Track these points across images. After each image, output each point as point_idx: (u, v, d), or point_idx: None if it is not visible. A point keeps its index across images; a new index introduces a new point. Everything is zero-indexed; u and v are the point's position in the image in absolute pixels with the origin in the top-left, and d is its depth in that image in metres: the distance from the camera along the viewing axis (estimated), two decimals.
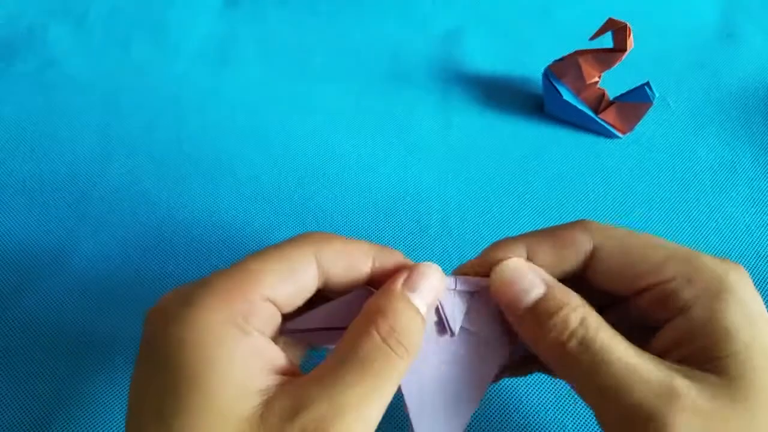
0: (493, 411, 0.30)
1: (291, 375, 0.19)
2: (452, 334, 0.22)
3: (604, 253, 0.21)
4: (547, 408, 0.30)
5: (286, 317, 0.22)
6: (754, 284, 0.34)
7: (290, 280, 0.20)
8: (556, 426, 0.30)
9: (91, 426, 0.31)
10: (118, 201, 0.38)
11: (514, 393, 0.31)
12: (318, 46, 0.47)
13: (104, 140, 0.41)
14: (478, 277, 0.23)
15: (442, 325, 0.22)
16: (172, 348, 0.18)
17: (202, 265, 0.36)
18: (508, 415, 0.30)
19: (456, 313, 0.22)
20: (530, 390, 0.31)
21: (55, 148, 0.41)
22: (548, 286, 0.21)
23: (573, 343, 0.19)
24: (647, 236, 0.21)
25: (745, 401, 0.18)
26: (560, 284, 0.21)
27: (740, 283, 0.20)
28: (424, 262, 0.22)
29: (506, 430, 0.30)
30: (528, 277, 0.21)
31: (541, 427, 0.30)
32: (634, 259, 0.20)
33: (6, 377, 0.32)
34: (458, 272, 0.23)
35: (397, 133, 0.42)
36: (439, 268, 0.22)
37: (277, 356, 0.20)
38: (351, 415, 0.17)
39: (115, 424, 0.31)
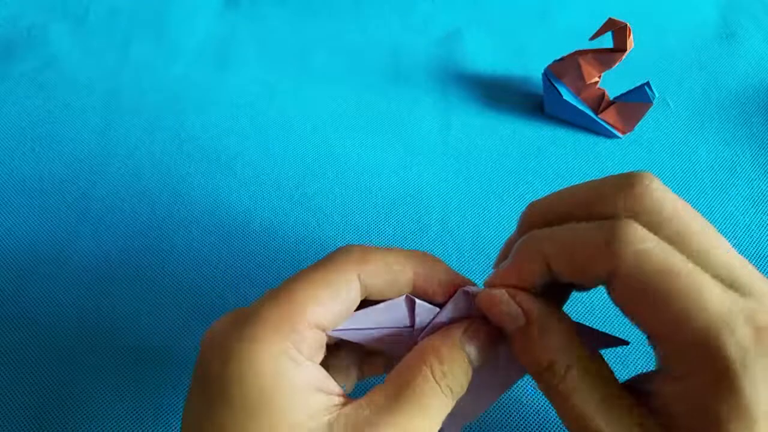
0: (493, 411, 0.30)
1: (342, 396, 0.20)
2: None
3: (621, 284, 0.18)
4: (548, 407, 0.30)
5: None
6: None
7: (336, 303, 0.21)
8: (556, 426, 0.30)
9: (90, 425, 0.31)
10: (118, 201, 0.38)
11: (514, 393, 0.31)
12: (318, 46, 0.47)
13: (104, 140, 0.41)
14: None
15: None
16: (233, 384, 0.18)
17: (202, 265, 0.36)
18: (508, 416, 0.30)
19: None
20: (529, 389, 0.31)
21: (54, 147, 0.41)
22: (529, 319, 0.20)
23: (544, 378, 0.20)
24: (688, 271, 0.17)
25: None
26: (544, 316, 0.20)
27: (754, 382, 0.16)
28: (480, 323, 0.22)
29: (506, 430, 0.30)
30: (508, 308, 0.21)
31: (541, 426, 0.30)
32: (650, 302, 0.17)
33: (6, 376, 0.32)
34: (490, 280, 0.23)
35: (397, 133, 0.42)
36: (493, 328, 0.22)
37: (330, 382, 0.21)
38: None
39: (113, 423, 0.31)
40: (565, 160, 0.40)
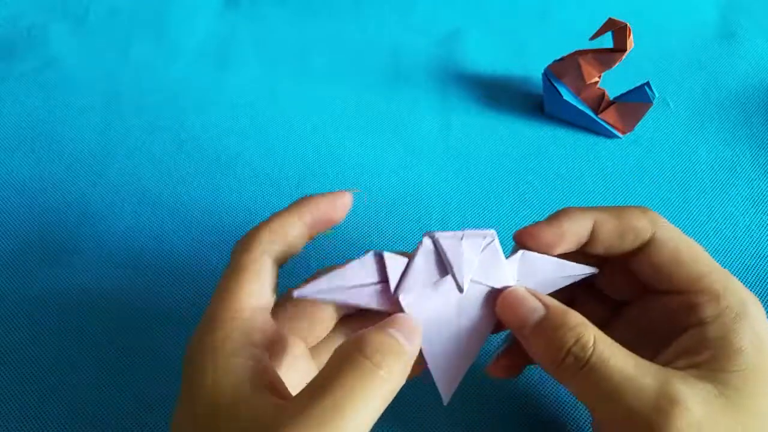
0: (494, 411, 0.30)
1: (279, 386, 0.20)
2: (461, 290, 0.23)
3: (657, 248, 0.23)
4: (548, 407, 0.30)
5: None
6: (754, 285, 0.35)
7: (257, 283, 0.22)
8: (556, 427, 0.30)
9: (90, 424, 0.31)
10: (119, 201, 0.38)
11: (513, 395, 0.31)
12: (318, 46, 0.47)
13: (104, 140, 0.41)
14: (486, 230, 0.23)
15: (448, 276, 0.23)
16: (187, 373, 0.21)
17: (202, 265, 0.36)
18: (510, 416, 0.30)
19: (463, 267, 0.23)
20: (530, 391, 0.31)
21: (55, 147, 0.41)
22: (548, 307, 0.22)
23: (570, 360, 0.21)
24: (695, 245, 0.23)
25: (737, 413, 0.20)
26: (561, 305, 0.22)
27: (758, 314, 0.22)
28: (402, 315, 0.22)
29: (507, 429, 0.30)
30: (530, 302, 0.23)
31: (541, 426, 0.30)
32: (681, 262, 0.23)
33: (6, 376, 0.32)
34: (523, 234, 0.24)
35: (397, 133, 0.42)
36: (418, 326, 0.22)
37: (277, 381, 0.20)
38: (324, 428, 0.17)
39: (113, 422, 0.31)
40: (565, 160, 0.40)
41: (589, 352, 0.21)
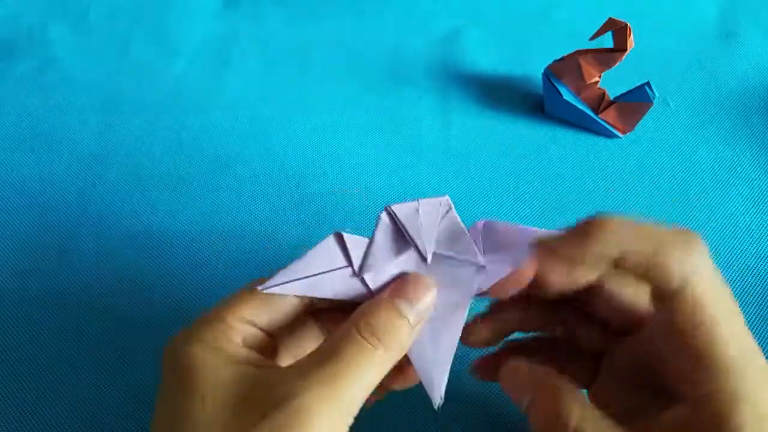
0: (493, 414, 0.30)
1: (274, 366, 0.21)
2: (425, 259, 0.23)
3: (687, 292, 0.20)
4: None
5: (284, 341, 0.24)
6: (754, 285, 0.35)
7: (267, 306, 0.22)
8: None
9: (90, 424, 0.31)
10: (118, 201, 0.38)
11: None
12: (318, 46, 0.47)
13: (104, 140, 0.41)
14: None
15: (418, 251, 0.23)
16: (175, 367, 0.21)
17: (201, 264, 0.36)
18: (508, 417, 0.30)
19: (425, 237, 0.22)
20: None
21: (54, 147, 0.41)
22: (539, 389, 0.22)
23: None
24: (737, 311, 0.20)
25: None
26: (548, 386, 0.22)
27: (761, 388, 0.19)
28: (413, 273, 0.23)
29: (506, 429, 0.30)
30: (521, 385, 0.22)
31: None
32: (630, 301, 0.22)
33: (5, 376, 0.32)
34: (496, 289, 0.23)
35: (397, 133, 0.42)
36: (428, 278, 0.23)
37: (259, 359, 0.21)
38: (321, 389, 0.19)
39: (113, 422, 0.31)
40: (566, 160, 0.40)
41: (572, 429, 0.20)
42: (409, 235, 0.22)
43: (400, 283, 0.22)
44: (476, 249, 0.23)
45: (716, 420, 0.19)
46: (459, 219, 0.23)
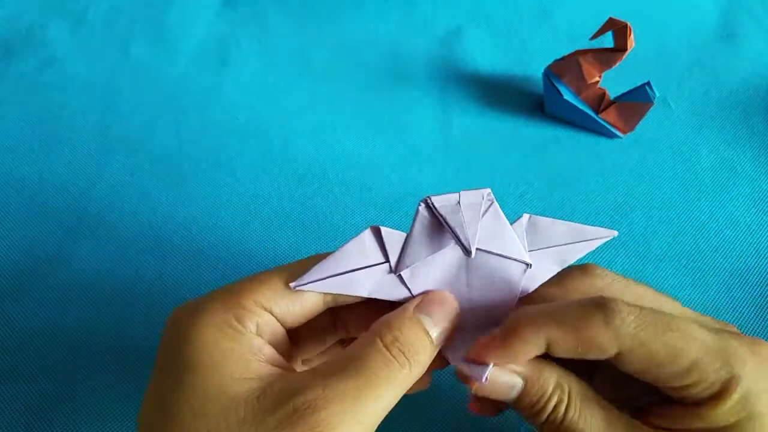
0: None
1: (289, 369, 0.20)
2: (469, 253, 0.20)
3: (628, 357, 0.20)
4: None
5: (296, 336, 0.23)
6: (755, 285, 0.35)
7: (288, 294, 0.21)
8: None
9: (91, 424, 0.31)
10: (118, 200, 0.38)
11: None
12: (318, 46, 0.47)
13: (103, 140, 0.41)
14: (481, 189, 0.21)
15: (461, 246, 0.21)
16: (179, 347, 0.20)
17: (201, 264, 0.36)
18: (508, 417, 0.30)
19: (469, 230, 0.21)
20: None
21: (54, 147, 0.41)
22: (526, 378, 0.21)
23: (554, 426, 0.20)
24: (674, 332, 0.19)
25: None
26: (538, 369, 0.21)
27: (756, 377, 0.20)
28: (439, 291, 0.22)
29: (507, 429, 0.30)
30: (505, 380, 0.21)
31: None
32: (660, 364, 0.20)
33: (5, 376, 0.32)
34: (474, 353, 0.21)
35: (397, 133, 0.42)
36: (453, 298, 0.22)
37: (274, 354, 0.20)
38: (344, 404, 0.18)
39: (112, 422, 0.31)
40: (566, 160, 0.40)
41: (561, 413, 0.20)
42: (450, 228, 0.21)
43: (426, 299, 0.22)
44: (522, 246, 0.22)
45: (711, 418, 0.20)
46: (502, 213, 0.22)
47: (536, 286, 0.22)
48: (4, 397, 0.31)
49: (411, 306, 0.21)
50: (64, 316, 0.34)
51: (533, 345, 0.20)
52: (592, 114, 0.40)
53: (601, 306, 0.19)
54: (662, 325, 0.19)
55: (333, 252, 0.21)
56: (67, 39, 0.47)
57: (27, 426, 0.30)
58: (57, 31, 0.48)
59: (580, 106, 0.40)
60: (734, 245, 0.36)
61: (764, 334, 0.33)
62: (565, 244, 0.23)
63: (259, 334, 0.21)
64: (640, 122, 0.40)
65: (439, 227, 0.21)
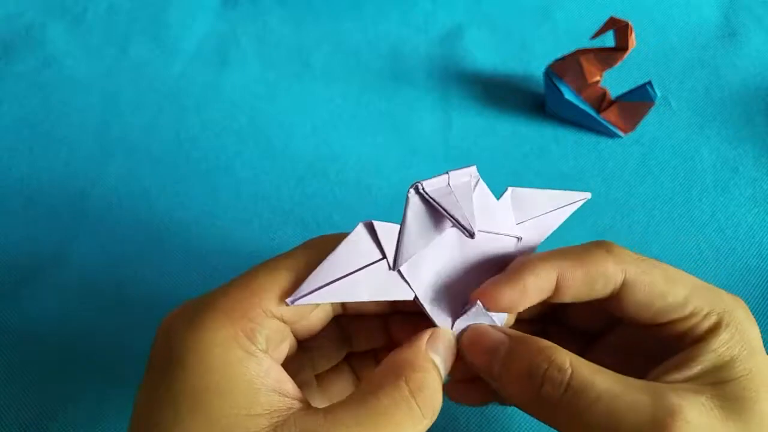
0: (493, 415, 0.30)
1: (300, 401, 0.19)
2: (471, 235, 0.20)
3: (630, 289, 0.20)
4: None
5: (305, 342, 0.22)
6: (756, 285, 0.35)
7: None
8: None
9: (91, 424, 0.30)
10: (117, 200, 0.38)
11: None
12: (318, 46, 0.47)
13: (103, 140, 0.41)
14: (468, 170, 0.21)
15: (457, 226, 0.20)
16: (176, 370, 0.17)
17: (201, 264, 0.36)
18: (508, 418, 0.30)
19: (466, 211, 0.20)
20: None
21: (53, 147, 0.41)
22: (512, 338, 0.20)
23: (548, 388, 0.19)
24: (668, 269, 0.21)
25: (739, 421, 0.19)
26: (525, 335, 0.21)
27: (745, 317, 0.21)
28: (440, 328, 0.21)
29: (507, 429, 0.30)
30: (493, 335, 0.21)
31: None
32: (658, 295, 0.20)
33: (5, 376, 0.32)
34: (483, 291, 0.21)
35: (397, 133, 0.42)
36: (451, 333, 0.21)
37: (284, 379, 0.19)
38: None
39: (114, 422, 0.31)
40: (567, 159, 0.40)
41: (568, 374, 0.19)
42: (447, 212, 0.20)
43: (434, 335, 0.21)
44: (512, 220, 0.22)
45: (710, 356, 0.20)
46: (489, 190, 0.22)
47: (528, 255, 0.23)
48: (4, 397, 0.31)
49: (422, 343, 0.20)
50: (64, 316, 0.34)
51: (544, 279, 0.20)
52: (593, 113, 0.40)
53: (602, 243, 0.21)
54: (656, 261, 0.21)
55: (328, 256, 0.20)
56: (67, 39, 0.47)
57: (26, 426, 0.30)
58: (56, 31, 0.48)
59: (581, 106, 0.40)
60: (735, 245, 0.36)
61: (765, 334, 0.33)
62: (547, 212, 0.23)
63: (267, 348, 0.19)
64: (642, 122, 0.40)
65: (433, 213, 0.20)
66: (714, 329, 0.20)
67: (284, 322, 0.19)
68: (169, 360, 0.18)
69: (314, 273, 0.19)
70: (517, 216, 0.23)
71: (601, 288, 0.20)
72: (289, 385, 0.19)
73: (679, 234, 0.36)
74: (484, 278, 0.21)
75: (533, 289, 0.20)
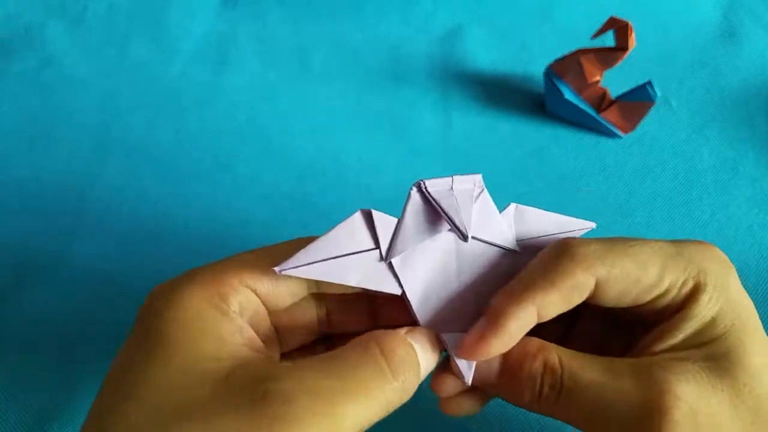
0: (493, 414, 0.30)
1: (266, 356, 0.19)
2: (465, 238, 0.20)
3: (605, 284, 0.20)
4: None
5: (278, 319, 0.22)
6: (757, 286, 0.34)
7: (273, 275, 0.20)
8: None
9: None
10: (117, 200, 0.38)
11: None
12: (318, 46, 0.47)
13: (102, 139, 0.41)
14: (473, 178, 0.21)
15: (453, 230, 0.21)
16: (153, 324, 0.19)
17: (201, 264, 0.35)
18: (509, 419, 0.30)
19: (464, 215, 0.20)
20: None
21: (53, 147, 0.41)
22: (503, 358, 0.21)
23: (546, 390, 0.20)
24: (636, 253, 0.21)
25: (727, 377, 0.19)
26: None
27: (721, 271, 0.21)
28: (423, 327, 0.21)
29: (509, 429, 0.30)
30: (482, 353, 0.20)
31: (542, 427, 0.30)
32: (634, 281, 0.20)
33: (5, 375, 0.32)
34: (470, 347, 0.20)
35: (397, 133, 0.41)
36: (433, 333, 0.21)
37: (255, 338, 0.20)
38: (317, 400, 0.17)
39: None
40: (567, 159, 0.40)
41: (559, 374, 0.19)
42: (445, 213, 0.20)
43: (415, 328, 0.21)
44: (511, 234, 0.22)
45: (692, 321, 0.20)
46: (491, 200, 0.22)
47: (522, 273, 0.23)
48: (4, 397, 0.31)
49: (402, 330, 0.20)
50: (63, 316, 0.34)
51: (526, 319, 0.20)
52: (593, 113, 0.40)
53: (565, 249, 0.20)
54: (622, 246, 0.20)
55: (321, 235, 0.20)
56: (66, 38, 0.47)
57: (26, 426, 0.30)
58: (56, 31, 0.48)
59: (581, 106, 0.40)
60: (736, 245, 0.36)
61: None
62: (549, 236, 0.23)
63: (241, 314, 0.20)
64: (642, 122, 0.40)
65: (432, 213, 0.21)
66: (693, 294, 0.20)
67: (258, 295, 0.20)
68: (149, 319, 0.19)
69: (305, 249, 0.20)
70: (518, 232, 0.23)
71: (577, 298, 0.20)
72: (260, 344, 0.20)
73: (679, 234, 0.36)
74: (476, 289, 0.22)
75: (517, 332, 0.20)
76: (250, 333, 0.20)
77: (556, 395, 0.20)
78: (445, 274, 0.22)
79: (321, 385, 0.17)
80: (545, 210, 0.23)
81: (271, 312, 0.21)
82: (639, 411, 0.18)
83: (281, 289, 0.21)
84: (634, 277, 0.20)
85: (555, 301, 0.20)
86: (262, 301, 0.21)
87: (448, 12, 0.49)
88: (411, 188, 0.20)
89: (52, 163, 0.40)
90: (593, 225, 0.24)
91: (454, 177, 0.21)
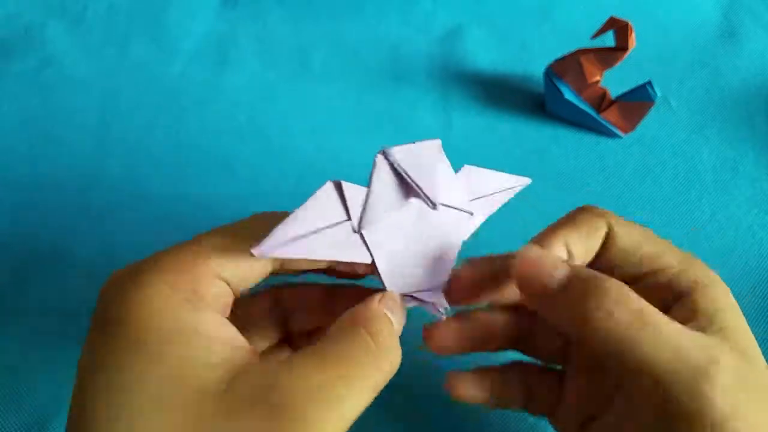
0: (494, 414, 0.30)
1: (253, 354, 0.18)
2: (435, 206, 0.21)
3: (615, 234, 0.23)
4: None
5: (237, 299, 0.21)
6: (757, 286, 0.35)
7: (241, 258, 0.19)
8: None
9: None
10: (117, 200, 0.38)
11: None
12: (318, 45, 0.47)
13: (102, 139, 0.41)
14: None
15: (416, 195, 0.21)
16: (131, 327, 0.17)
17: None
18: (508, 420, 0.30)
19: (431, 182, 0.21)
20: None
21: (52, 147, 0.41)
22: (572, 266, 0.21)
23: (625, 317, 0.19)
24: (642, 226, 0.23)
25: (745, 362, 0.19)
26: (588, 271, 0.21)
27: (717, 278, 0.23)
28: (390, 291, 0.21)
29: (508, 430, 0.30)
30: (551, 258, 0.21)
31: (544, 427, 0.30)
32: (637, 243, 0.22)
33: (5, 375, 0.32)
34: (484, 263, 0.23)
35: (397, 133, 0.41)
36: (399, 296, 0.22)
37: (235, 333, 0.19)
38: (324, 396, 0.16)
39: None
40: (567, 159, 0.40)
41: (641, 305, 0.19)
42: (412, 180, 0.20)
43: (386, 295, 0.21)
44: (466, 197, 0.23)
45: (703, 311, 0.21)
46: (450, 166, 0.23)
47: (471, 233, 0.24)
48: (4, 397, 0.31)
49: (375, 300, 0.20)
50: (63, 316, 0.34)
51: (557, 249, 0.22)
52: (593, 113, 0.40)
53: (581, 207, 0.24)
54: (628, 221, 0.23)
55: (293, 212, 0.19)
56: (66, 38, 0.47)
57: (26, 426, 0.30)
58: (56, 31, 0.48)
59: (581, 106, 0.40)
60: (736, 246, 0.36)
61: (766, 335, 0.33)
62: (494, 193, 0.24)
63: (216, 308, 0.19)
64: (642, 122, 0.40)
65: (399, 181, 0.21)
66: (699, 286, 0.22)
67: (227, 283, 0.19)
68: (121, 316, 0.17)
69: (280, 227, 0.19)
70: (469, 192, 0.24)
71: (596, 244, 0.23)
72: (241, 339, 0.19)
73: (679, 235, 0.36)
74: (434, 248, 0.22)
75: (558, 253, 0.22)
76: (229, 328, 0.18)
77: (636, 329, 0.19)
78: (408, 237, 0.22)
79: (325, 381, 0.17)
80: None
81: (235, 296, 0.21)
82: (699, 364, 0.18)
83: (252, 273, 0.20)
84: (638, 239, 0.22)
85: (579, 241, 0.22)
86: (231, 288, 0.20)
87: (448, 12, 0.49)
88: (376, 155, 0.20)
89: (52, 163, 0.40)
90: (528, 180, 0.26)
91: (416, 143, 0.21)
